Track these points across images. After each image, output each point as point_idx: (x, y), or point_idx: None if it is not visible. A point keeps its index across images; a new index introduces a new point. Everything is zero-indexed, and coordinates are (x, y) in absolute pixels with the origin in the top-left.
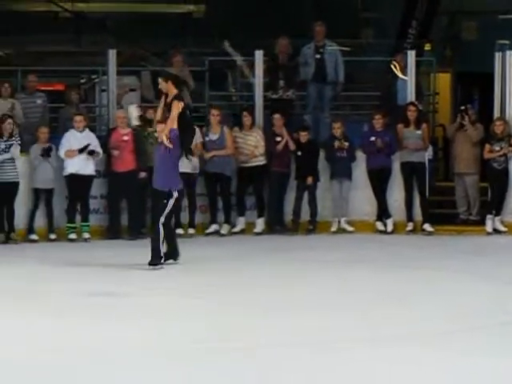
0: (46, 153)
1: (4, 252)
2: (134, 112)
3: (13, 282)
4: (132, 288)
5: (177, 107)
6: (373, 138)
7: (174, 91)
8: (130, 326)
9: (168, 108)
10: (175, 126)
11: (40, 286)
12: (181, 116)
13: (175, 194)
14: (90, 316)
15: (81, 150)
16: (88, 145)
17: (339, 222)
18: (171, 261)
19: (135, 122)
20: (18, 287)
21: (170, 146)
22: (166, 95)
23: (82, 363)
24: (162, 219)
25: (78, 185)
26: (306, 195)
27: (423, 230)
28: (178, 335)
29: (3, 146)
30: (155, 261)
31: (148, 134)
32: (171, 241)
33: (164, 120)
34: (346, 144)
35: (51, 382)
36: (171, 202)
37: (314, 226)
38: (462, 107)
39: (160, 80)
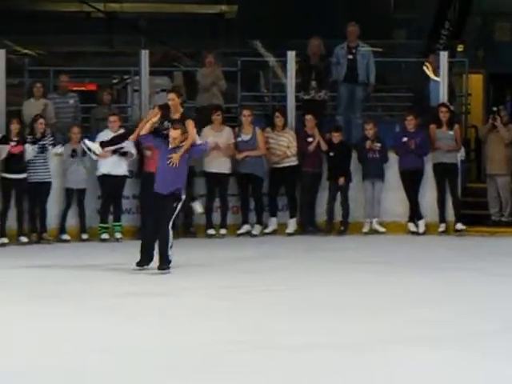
0: (77, 153)
1: (37, 252)
2: (91, 144)
3: (46, 282)
4: (164, 288)
5: (192, 125)
6: (405, 139)
7: (180, 109)
8: (162, 326)
9: (172, 122)
10: (198, 141)
11: (73, 286)
12: None
13: (183, 197)
14: (124, 316)
15: (106, 143)
16: (121, 148)
17: (371, 222)
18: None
19: (98, 152)
20: (51, 288)
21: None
22: (162, 109)
23: (126, 363)
24: (171, 223)
25: (110, 185)
26: (338, 196)
27: (456, 231)
28: (209, 335)
29: (36, 146)
30: (164, 265)
31: None
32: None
33: (178, 127)
34: (378, 145)
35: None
36: (180, 205)
37: (346, 227)
38: (495, 108)
39: (173, 95)
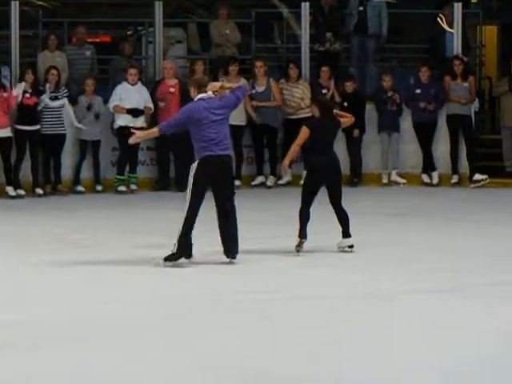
0: (93, 106)
1: (52, 203)
2: None
3: (65, 233)
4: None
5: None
6: (418, 91)
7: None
8: (180, 278)
9: None
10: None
11: (91, 237)
12: None
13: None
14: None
15: (130, 111)
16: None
17: (389, 174)
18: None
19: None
20: (71, 238)
21: None
22: None
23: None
24: None
25: (128, 137)
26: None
27: (473, 182)
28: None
29: (50, 97)
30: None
31: None
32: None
33: None
34: (397, 96)
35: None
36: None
37: (359, 179)
38: None
39: None
